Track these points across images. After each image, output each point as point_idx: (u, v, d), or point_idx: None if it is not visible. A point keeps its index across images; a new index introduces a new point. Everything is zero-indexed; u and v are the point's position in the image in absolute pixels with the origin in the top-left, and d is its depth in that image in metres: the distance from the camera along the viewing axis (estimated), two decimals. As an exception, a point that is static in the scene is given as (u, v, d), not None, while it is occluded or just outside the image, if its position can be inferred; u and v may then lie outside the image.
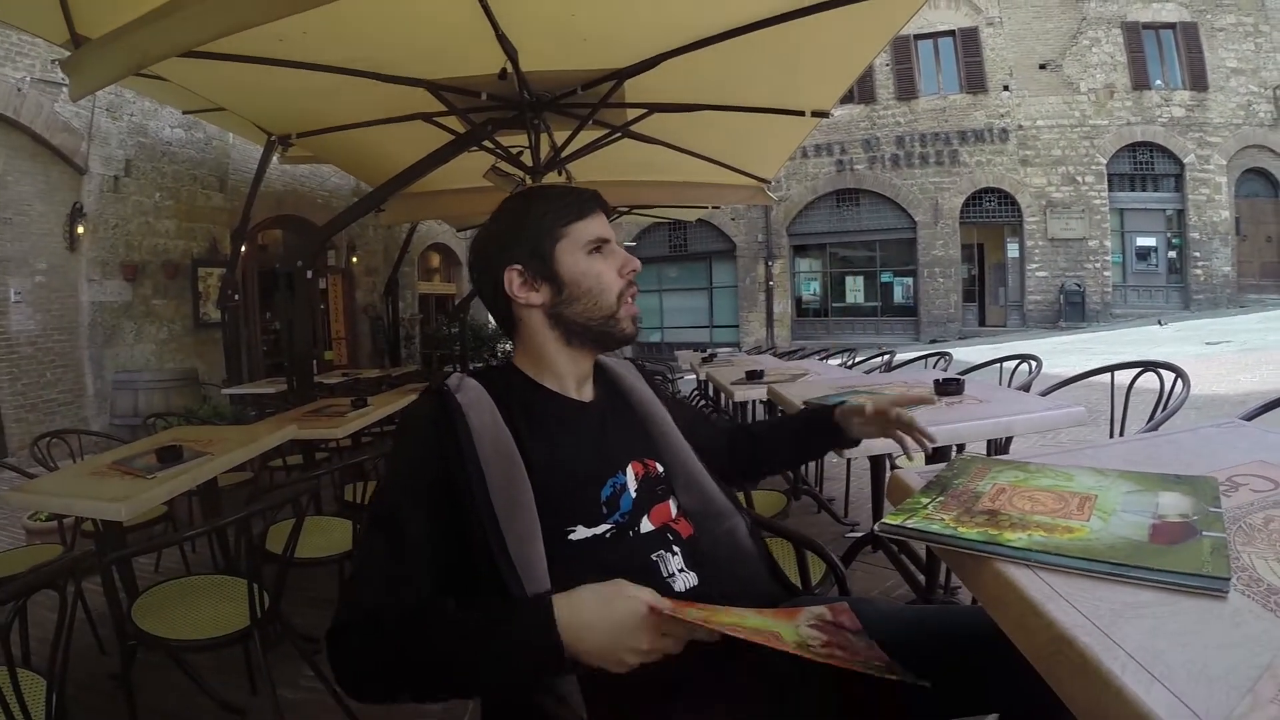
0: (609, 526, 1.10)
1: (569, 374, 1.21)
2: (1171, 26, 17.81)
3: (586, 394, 1.24)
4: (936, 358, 4.73)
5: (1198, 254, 17.88)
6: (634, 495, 1.14)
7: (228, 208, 9.33)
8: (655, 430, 1.29)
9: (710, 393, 6.02)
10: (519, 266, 1.18)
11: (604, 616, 0.89)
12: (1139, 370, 2.80)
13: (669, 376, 7.68)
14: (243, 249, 7.26)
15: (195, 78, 3.93)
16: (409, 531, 1.02)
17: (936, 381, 2.50)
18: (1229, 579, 0.74)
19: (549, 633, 0.88)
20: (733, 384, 4.02)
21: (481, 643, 0.91)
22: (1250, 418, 1.65)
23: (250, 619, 2.05)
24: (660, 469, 1.23)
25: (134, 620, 2.08)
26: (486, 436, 1.06)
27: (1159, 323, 15.58)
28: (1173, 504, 0.93)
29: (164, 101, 7.62)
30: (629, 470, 1.15)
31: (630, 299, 1.22)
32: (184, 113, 7.37)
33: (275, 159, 6.08)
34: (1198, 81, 17.68)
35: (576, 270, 1.18)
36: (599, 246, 1.19)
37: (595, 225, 1.20)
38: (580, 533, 1.07)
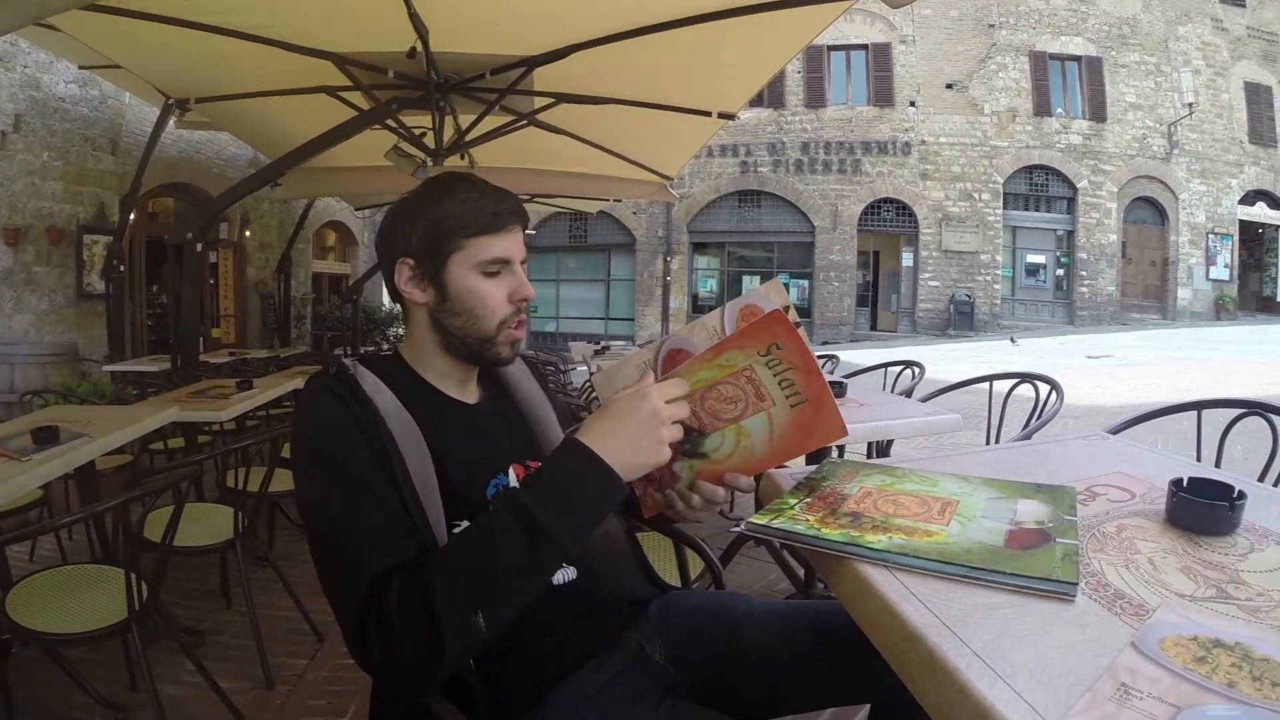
0: None
1: (450, 375, 1.18)
2: (1077, 59, 18.87)
3: (470, 395, 1.22)
4: (824, 360, 4.85)
5: (1084, 273, 18.98)
6: None
7: (118, 172, 8.78)
8: (539, 430, 1.27)
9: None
10: (411, 261, 1.13)
11: (616, 419, 0.95)
12: (1016, 381, 2.95)
13: (561, 368, 7.67)
14: (131, 217, 6.91)
15: (94, 32, 3.71)
16: (378, 486, 0.97)
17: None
18: (1077, 584, 0.78)
19: (586, 453, 0.92)
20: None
21: (538, 501, 0.91)
22: (1116, 431, 1.76)
23: (128, 611, 1.95)
24: None
25: (7, 613, 1.96)
26: (393, 418, 1.03)
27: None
28: (1030, 511, 0.97)
29: (60, 54, 7.14)
30: (510, 473, 1.14)
31: (514, 326, 1.15)
32: (80, 68, 6.93)
33: (171, 123, 5.82)
34: (1097, 112, 18.76)
35: (463, 286, 1.12)
36: (497, 269, 1.13)
37: (501, 244, 1.12)
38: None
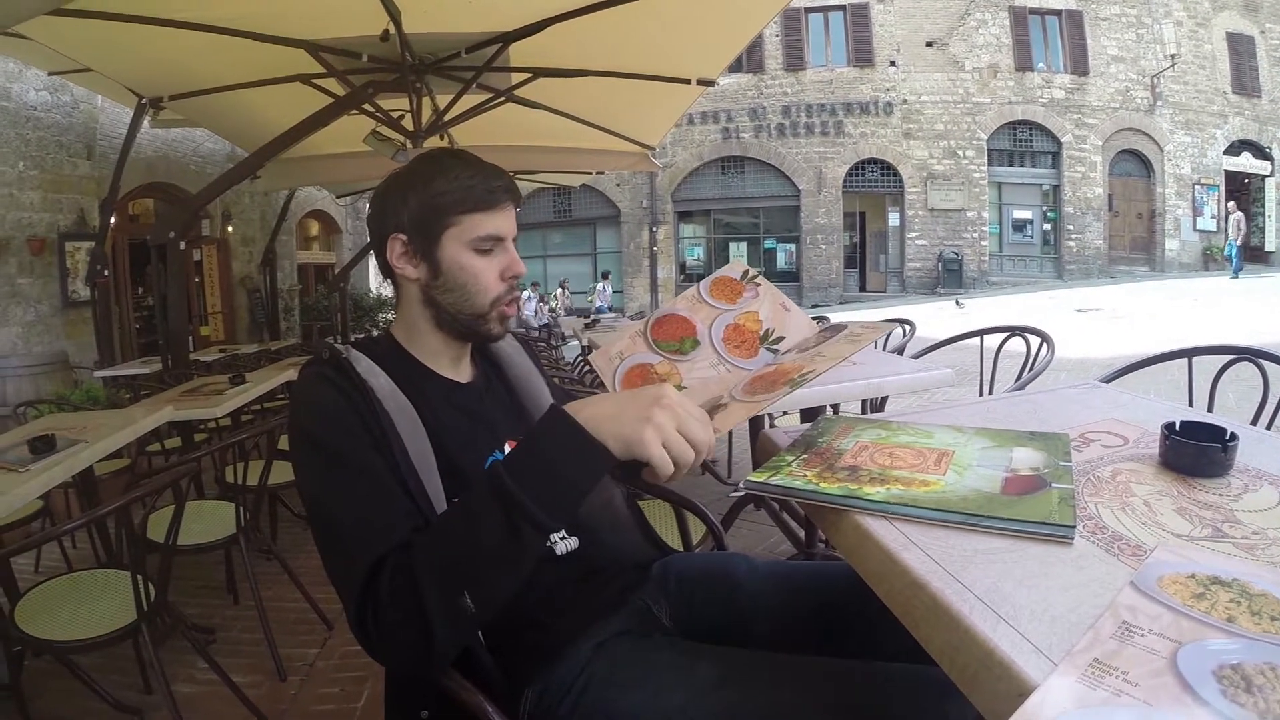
0: None
1: (442, 353, 1.18)
2: (1057, 13, 18.79)
3: (463, 373, 1.22)
4: (815, 322, 4.86)
5: (1071, 227, 19.02)
6: None
7: (95, 176, 8.66)
8: (533, 406, 1.27)
9: (594, 358, 5.96)
10: (403, 237, 1.12)
11: (618, 396, 0.93)
12: (1007, 335, 2.96)
13: (553, 344, 7.68)
14: (112, 220, 6.82)
15: (62, 36, 3.65)
16: (376, 469, 0.97)
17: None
18: (1074, 526, 0.79)
19: (565, 420, 0.88)
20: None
21: (514, 473, 0.86)
22: (1109, 380, 1.76)
23: (137, 613, 1.96)
24: None
25: (17, 624, 1.96)
26: (389, 400, 1.03)
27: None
28: (1025, 458, 0.97)
29: (28, 62, 7.04)
30: (506, 449, 1.14)
31: (507, 304, 1.16)
32: (50, 74, 6.84)
33: (146, 123, 5.74)
34: (1079, 66, 18.71)
35: (456, 263, 1.12)
36: (490, 246, 1.13)
37: (494, 221, 1.12)
38: None
